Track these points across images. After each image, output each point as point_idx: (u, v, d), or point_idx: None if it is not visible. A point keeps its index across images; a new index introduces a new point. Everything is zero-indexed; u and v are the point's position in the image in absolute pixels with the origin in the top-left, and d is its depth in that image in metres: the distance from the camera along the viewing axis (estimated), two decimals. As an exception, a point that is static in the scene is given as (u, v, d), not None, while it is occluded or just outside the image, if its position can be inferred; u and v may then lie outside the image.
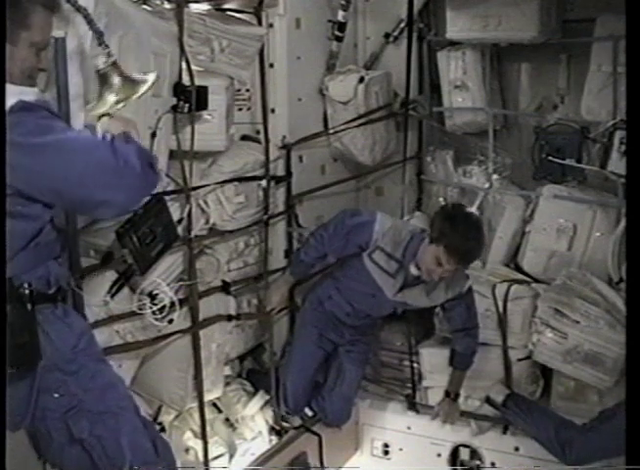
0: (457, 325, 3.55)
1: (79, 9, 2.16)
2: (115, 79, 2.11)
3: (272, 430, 3.76)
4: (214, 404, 3.59)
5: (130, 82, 2.14)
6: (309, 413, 3.77)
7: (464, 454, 3.83)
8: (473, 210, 4.07)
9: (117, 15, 2.54)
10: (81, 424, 2.07)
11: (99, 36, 2.16)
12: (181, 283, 3.16)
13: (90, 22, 2.17)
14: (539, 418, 3.37)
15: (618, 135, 3.65)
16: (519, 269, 4.07)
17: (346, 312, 3.61)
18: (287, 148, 3.75)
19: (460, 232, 3.10)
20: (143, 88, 2.14)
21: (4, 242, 1.48)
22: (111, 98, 2.11)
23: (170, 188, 3.06)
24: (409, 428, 3.95)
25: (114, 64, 2.12)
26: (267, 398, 3.79)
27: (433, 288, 3.40)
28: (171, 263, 3.13)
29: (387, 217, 3.44)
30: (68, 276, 2.23)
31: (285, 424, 3.76)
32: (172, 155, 3.06)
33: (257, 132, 3.68)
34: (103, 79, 2.14)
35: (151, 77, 2.17)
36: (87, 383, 2.07)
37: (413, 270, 3.31)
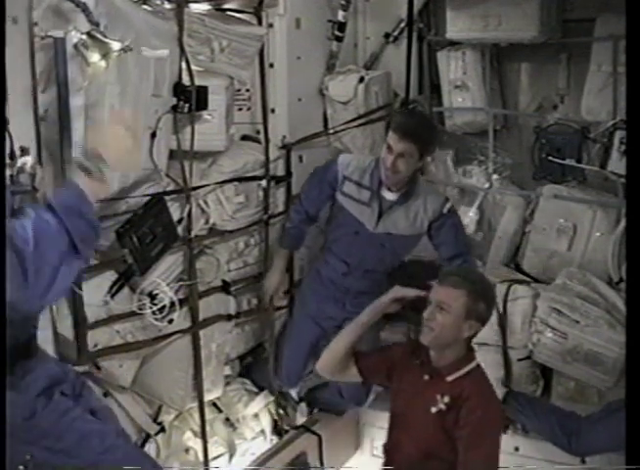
0: (449, 250, 3.39)
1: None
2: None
3: (275, 428, 3.76)
4: (214, 404, 3.59)
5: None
6: (294, 396, 3.79)
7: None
8: (473, 210, 4.08)
9: (117, 15, 2.54)
10: None
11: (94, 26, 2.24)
12: (181, 283, 3.17)
13: (86, 11, 2.20)
14: (542, 411, 3.35)
15: (618, 135, 3.64)
16: (519, 269, 4.07)
17: (342, 272, 3.50)
18: (287, 148, 3.75)
19: (405, 113, 3.41)
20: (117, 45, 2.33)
21: (4, 245, 1.46)
22: (95, 57, 2.32)
23: (170, 188, 3.06)
24: (409, 428, 3.95)
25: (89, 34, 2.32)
26: (271, 398, 3.79)
27: (410, 209, 3.33)
28: (171, 263, 3.14)
29: (350, 155, 3.61)
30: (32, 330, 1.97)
31: (285, 425, 3.77)
32: (172, 155, 3.07)
33: (257, 132, 3.69)
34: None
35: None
36: (54, 445, 1.89)
37: (385, 194, 3.32)
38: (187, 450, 3.40)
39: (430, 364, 2.69)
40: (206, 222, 3.31)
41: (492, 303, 2.72)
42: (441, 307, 2.59)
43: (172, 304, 3.06)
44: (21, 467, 1.84)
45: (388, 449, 2.85)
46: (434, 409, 2.61)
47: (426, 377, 2.69)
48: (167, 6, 2.94)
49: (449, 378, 2.64)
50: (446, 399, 2.60)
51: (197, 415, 3.40)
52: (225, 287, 3.47)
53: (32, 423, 1.87)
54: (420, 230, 3.40)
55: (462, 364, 2.66)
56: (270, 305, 3.70)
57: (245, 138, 3.67)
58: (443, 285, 2.63)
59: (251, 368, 3.94)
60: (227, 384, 3.67)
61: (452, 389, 2.62)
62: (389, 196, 3.32)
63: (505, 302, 3.70)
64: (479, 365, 2.72)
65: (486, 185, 4.08)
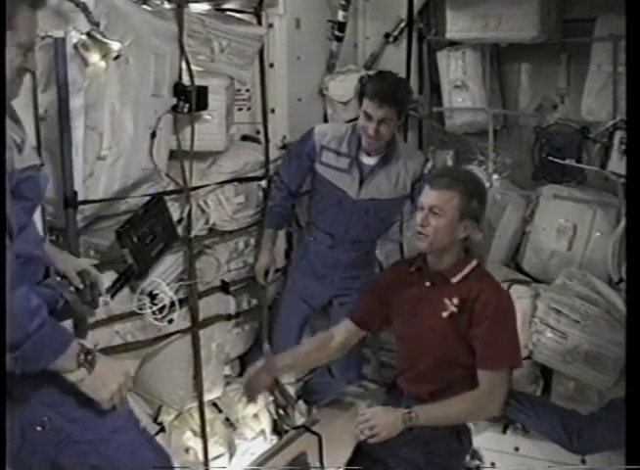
0: None
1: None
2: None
3: (275, 428, 3.76)
4: (214, 404, 3.59)
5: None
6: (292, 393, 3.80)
7: (464, 454, 3.82)
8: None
9: (117, 15, 2.55)
10: (71, 457, 1.92)
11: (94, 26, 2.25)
12: (181, 283, 3.17)
13: (86, 11, 2.21)
14: (542, 410, 3.35)
15: (618, 135, 3.64)
16: (519, 269, 4.06)
17: (329, 245, 3.47)
18: (287, 148, 3.75)
19: (377, 78, 3.30)
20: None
21: (4, 245, 1.46)
22: (94, 57, 2.37)
23: (170, 188, 3.06)
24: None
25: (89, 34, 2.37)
26: (271, 398, 3.79)
27: (391, 171, 3.34)
28: (171, 263, 3.14)
29: (326, 124, 3.60)
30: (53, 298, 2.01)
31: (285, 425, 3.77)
32: (172, 155, 3.07)
33: (257, 132, 3.69)
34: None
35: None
36: (72, 413, 1.92)
37: (364, 159, 3.31)
38: (187, 450, 3.41)
39: (429, 271, 2.63)
40: (206, 223, 3.31)
41: (484, 199, 2.63)
42: (434, 212, 2.50)
43: (172, 304, 3.06)
44: (39, 428, 1.90)
45: (402, 371, 2.80)
46: (445, 314, 2.54)
47: (427, 283, 2.63)
48: (167, 6, 2.95)
49: (454, 279, 2.57)
50: (455, 300, 2.53)
51: (197, 415, 3.40)
52: (225, 287, 3.47)
53: (56, 384, 1.89)
54: (403, 192, 3.41)
55: (463, 265, 2.59)
56: (265, 282, 3.64)
57: (245, 138, 3.67)
58: (434, 188, 2.53)
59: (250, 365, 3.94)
60: (227, 384, 3.67)
61: (459, 290, 2.55)
62: (369, 161, 3.33)
63: (505, 302, 3.70)
64: (479, 264, 2.65)
65: (486, 185, 4.07)
